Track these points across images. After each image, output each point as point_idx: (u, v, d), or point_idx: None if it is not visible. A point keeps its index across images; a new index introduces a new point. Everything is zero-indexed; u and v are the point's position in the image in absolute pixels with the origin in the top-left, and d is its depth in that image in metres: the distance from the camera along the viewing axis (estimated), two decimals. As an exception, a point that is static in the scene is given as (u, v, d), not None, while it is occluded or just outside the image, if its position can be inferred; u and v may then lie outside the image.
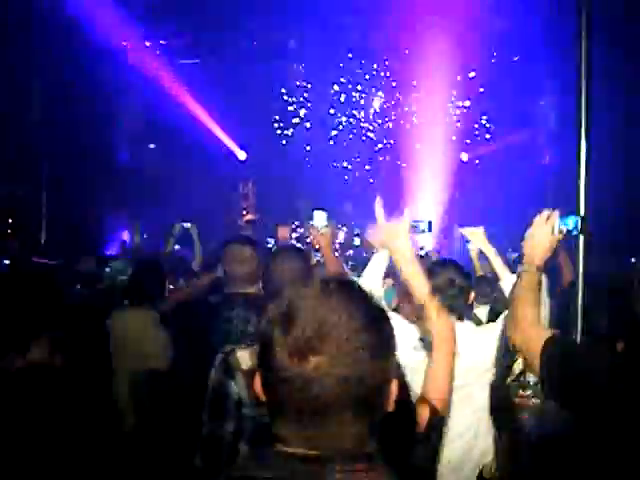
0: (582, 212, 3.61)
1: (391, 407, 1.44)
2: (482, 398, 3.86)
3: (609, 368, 2.37)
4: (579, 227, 3.02)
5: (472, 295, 3.95)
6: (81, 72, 13.07)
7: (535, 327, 2.68)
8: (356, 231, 12.05)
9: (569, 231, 2.97)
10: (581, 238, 3.56)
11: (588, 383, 2.38)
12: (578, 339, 3.47)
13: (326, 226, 4.22)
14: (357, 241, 6.63)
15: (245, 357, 2.93)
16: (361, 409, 1.36)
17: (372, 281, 3.93)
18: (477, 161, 16.79)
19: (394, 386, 1.44)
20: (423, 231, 4.01)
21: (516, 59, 14.35)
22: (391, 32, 14.66)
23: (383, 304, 3.74)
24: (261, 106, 16.45)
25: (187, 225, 6.78)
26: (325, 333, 1.33)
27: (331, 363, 1.32)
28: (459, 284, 3.82)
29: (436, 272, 3.84)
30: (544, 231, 2.89)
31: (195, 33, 14.93)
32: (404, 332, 3.64)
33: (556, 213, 2.93)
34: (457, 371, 3.69)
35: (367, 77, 16.54)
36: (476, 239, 4.44)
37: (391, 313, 3.79)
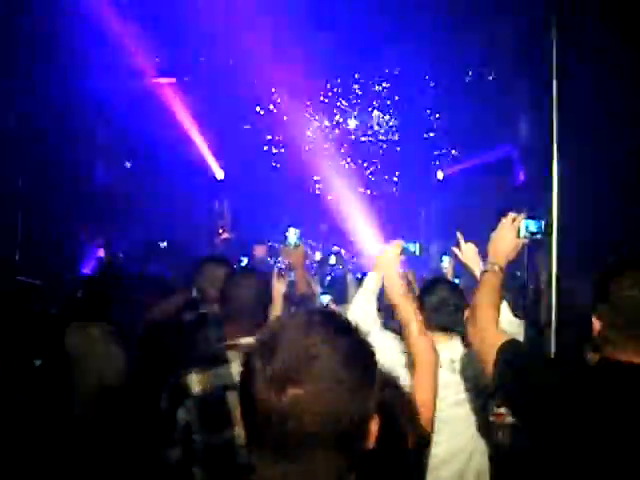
0: (555, 215, 3.66)
1: (371, 446, 1.41)
2: (479, 417, 3.84)
3: (559, 380, 2.39)
4: (542, 230, 3.07)
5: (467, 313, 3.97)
6: (57, 89, 13.02)
7: (493, 328, 2.70)
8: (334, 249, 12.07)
9: (533, 234, 3.04)
10: (554, 243, 3.60)
11: (536, 391, 2.39)
12: (552, 348, 3.51)
13: (298, 244, 4.24)
14: (333, 259, 6.62)
15: (196, 381, 2.94)
16: (338, 446, 1.34)
17: (366, 300, 3.96)
18: (451, 179, 16.91)
19: (375, 424, 1.41)
20: (414, 253, 4.06)
21: (491, 78, 14.46)
22: (369, 54, 14.77)
23: (378, 323, 3.77)
24: (240, 125, 16.48)
25: (163, 244, 6.74)
26: (305, 366, 1.32)
27: (310, 397, 1.30)
28: (454, 302, 3.85)
29: (430, 291, 3.88)
30: (509, 233, 2.99)
31: (171, 52, 14.96)
32: (394, 349, 3.65)
33: (522, 216, 3.03)
34: (454, 387, 3.72)
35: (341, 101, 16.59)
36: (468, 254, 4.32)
37: (380, 331, 3.83)
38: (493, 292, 2.85)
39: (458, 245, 4.18)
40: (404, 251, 4.12)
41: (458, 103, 15.05)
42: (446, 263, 7.11)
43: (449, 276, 6.87)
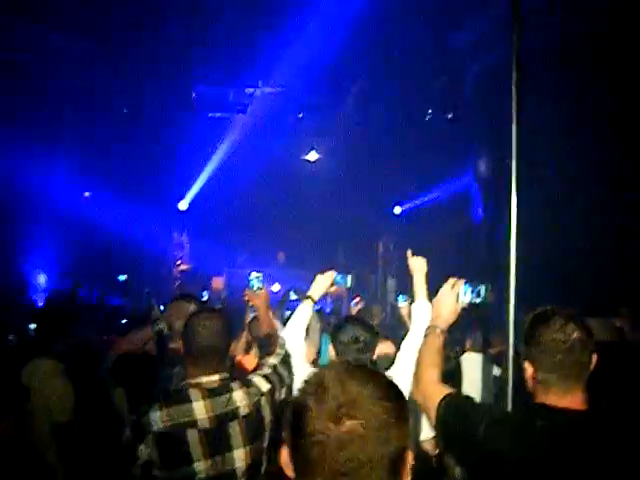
0: (512, 272, 3.75)
1: (408, 476, 1.60)
2: None
3: (492, 429, 2.53)
4: (481, 295, 3.33)
5: (376, 350, 4.07)
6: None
7: (435, 385, 2.89)
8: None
9: (472, 299, 3.32)
10: (511, 306, 3.69)
11: (471, 441, 2.54)
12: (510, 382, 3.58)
13: (260, 288, 4.36)
14: (293, 295, 6.71)
15: (157, 418, 3.00)
16: (387, 471, 1.52)
17: (295, 330, 4.10)
18: (409, 214, 17.05)
19: (410, 455, 1.59)
20: (345, 285, 4.23)
21: (450, 116, 14.65)
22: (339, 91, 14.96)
23: (304, 354, 3.85)
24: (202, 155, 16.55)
25: (123, 277, 6.73)
26: (355, 401, 1.53)
27: (363, 426, 1.50)
28: (364, 340, 3.96)
29: (343, 328, 4.04)
30: (449, 298, 3.23)
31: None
32: None
33: (461, 281, 3.29)
34: None
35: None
36: (418, 265, 4.42)
37: (303, 362, 3.90)
38: (434, 352, 3.07)
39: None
40: (335, 282, 4.26)
41: (417, 139, 15.23)
42: (402, 303, 7.22)
43: (405, 316, 6.97)
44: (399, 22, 11.93)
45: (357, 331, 3.97)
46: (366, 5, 11.31)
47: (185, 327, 3.32)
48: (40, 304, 12.51)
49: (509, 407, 3.62)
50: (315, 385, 1.58)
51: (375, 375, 1.64)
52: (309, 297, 4.32)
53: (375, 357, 4.08)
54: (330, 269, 4.32)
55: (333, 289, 4.39)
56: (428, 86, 14.50)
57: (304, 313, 4.22)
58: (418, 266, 4.32)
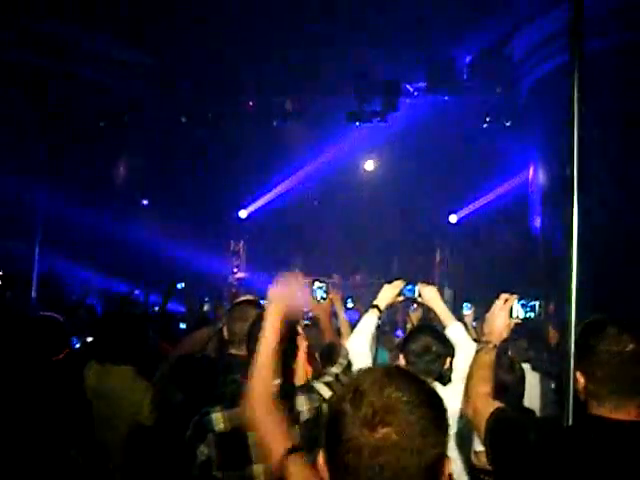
0: (574, 283, 3.68)
1: None
2: (458, 455, 3.82)
3: (542, 443, 2.47)
4: (535, 310, 3.34)
5: (448, 360, 4.00)
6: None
7: (485, 399, 2.85)
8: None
9: (525, 314, 3.33)
10: (573, 290, 3.63)
11: (520, 455, 2.50)
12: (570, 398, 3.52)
13: (324, 298, 4.34)
14: (350, 304, 6.68)
15: (219, 419, 3.02)
16: (423, 479, 1.49)
17: (360, 340, 4.05)
18: (466, 223, 16.90)
19: (449, 464, 1.56)
20: (413, 295, 4.18)
21: (507, 124, 14.59)
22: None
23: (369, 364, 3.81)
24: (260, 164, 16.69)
25: (180, 285, 6.84)
26: (392, 407, 1.50)
27: (398, 434, 1.47)
28: (435, 350, 3.90)
29: (413, 337, 4.00)
30: (502, 314, 3.19)
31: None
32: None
33: (514, 297, 3.25)
34: None
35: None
36: (429, 294, 4.36)
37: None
38: (485, 367, 3.03)
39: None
40: (404, 292, 4.20)
41: (474, 147, 15.14)
42: (467, 311, 7.14)
43: (469, 324, 6.84)
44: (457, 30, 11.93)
45: (429, 341, 3.93)
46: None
47: (249, 329, 3.35)
48: (99, 308, 12.69)
49: (570, 420, 3.55)
50: (352, 390, 1.56)
51: (415, 381, 1.61)
52: (375, 306, 4.26)
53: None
54: (398, 279, 4.25)
55: (400, 299, 4.30)
56: (485, 93, 14.42)
57: (369, 323, 4.15)
58: (431, 295, 4.25)
